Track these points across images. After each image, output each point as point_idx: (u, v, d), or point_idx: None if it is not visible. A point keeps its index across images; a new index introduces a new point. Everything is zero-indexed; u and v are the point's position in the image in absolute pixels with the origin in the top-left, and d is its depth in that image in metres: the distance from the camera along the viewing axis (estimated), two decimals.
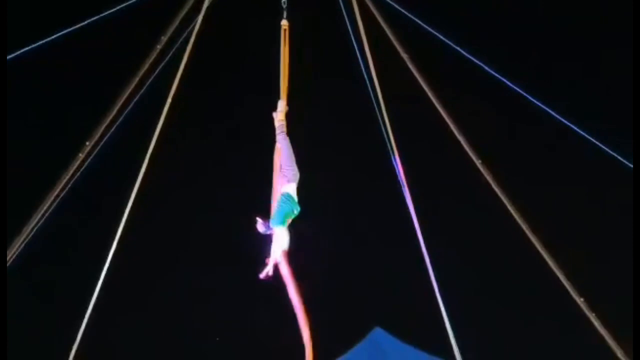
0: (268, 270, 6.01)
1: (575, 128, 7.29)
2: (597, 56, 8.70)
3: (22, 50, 6.54)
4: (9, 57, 6.49)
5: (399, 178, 7.48)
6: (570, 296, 7.37)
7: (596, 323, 7.29)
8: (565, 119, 7.26)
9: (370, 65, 7.49)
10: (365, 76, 7.59)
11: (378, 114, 7.61)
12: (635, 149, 7.09)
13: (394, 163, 7.56)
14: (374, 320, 9.47)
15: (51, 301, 8.75)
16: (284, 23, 6.94)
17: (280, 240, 6.09)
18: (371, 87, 7.57)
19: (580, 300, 7.38)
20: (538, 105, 7.28)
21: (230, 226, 9.11)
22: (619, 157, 7.08)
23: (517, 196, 7.37)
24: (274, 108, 6.64)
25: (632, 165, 7.04)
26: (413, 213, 7.45)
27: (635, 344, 6.93)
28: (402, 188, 7.47)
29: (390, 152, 7.56)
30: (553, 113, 7.30)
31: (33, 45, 6.57)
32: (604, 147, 7.22)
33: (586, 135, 7.27)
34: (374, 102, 7.59)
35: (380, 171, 7.82)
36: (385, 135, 7.59)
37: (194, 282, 9.30)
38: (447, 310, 7.46)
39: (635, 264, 6.95)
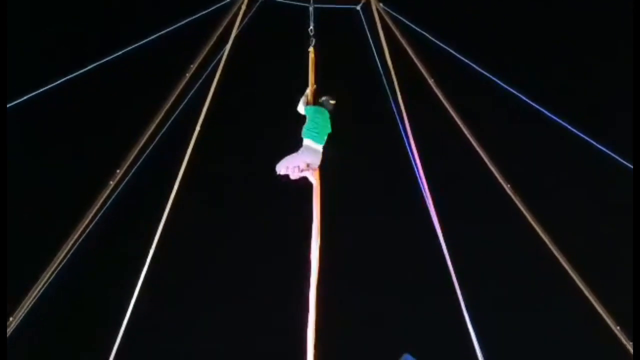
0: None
1: (611, 153, 7.23)
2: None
3: (57, 83, 6.79)
4: (45, 88, 6.73)
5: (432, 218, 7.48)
6: (607, 324, 7.20)
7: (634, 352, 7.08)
8: (601, 144, 7.24)
9: (397, 92, 7.55)
10: (393, 105, 7.64)
11: (406, 142, 7.62)
12: None
13: (423, 192, 7.55)
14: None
15: (77, 333, 8.77)
16: (311, 49, 7.08)
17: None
18: (398, 114, 7.61)
19: (617, 329, 7.20)
20: (571, 130, 7.28)
21: (261, 258, 9.16)
22: None
23: (548, 220, 7.28)
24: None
25: None
26: (441, 236, 7.42)
27: None
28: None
29: (418, 180, 7.56)
30: (587, 138, 7.27)
31: (65, 78, 6.83)
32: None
33: (621, 160, 7.21)
34: (402, 131, 7.62)
35: (406, 196, 7.82)
36: (413, 162, 7.59)
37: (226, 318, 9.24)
38: (477, 338, 7.33)
39: None
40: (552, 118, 7.25)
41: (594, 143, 7.24)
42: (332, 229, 6.81)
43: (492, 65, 7.29)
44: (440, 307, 8.00)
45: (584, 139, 7.23)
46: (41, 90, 6.74)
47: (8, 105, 6.56)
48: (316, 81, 7.07)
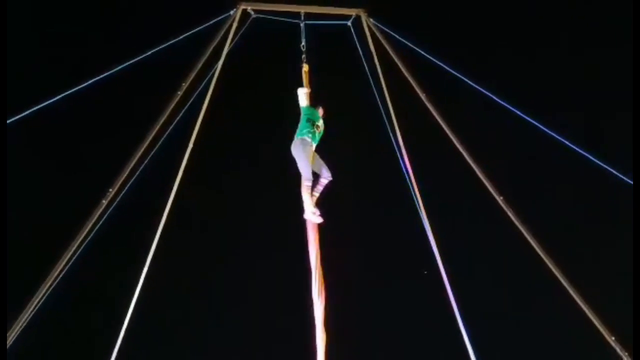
0: None
1: (600, 162, 7.26)
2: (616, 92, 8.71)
3: (53, 100, 6.77)
4: (40, 105, 6.71)
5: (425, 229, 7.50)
6: (602, 335, 7.21)
7: None
8: (586, 152, 7.27)
9: (389, 106, 7.58)
10: (385, 116, 7.66)
11: (399, 156, 7.64)
12: None
13: (417, 204, 7.57)
14: None
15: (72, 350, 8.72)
16: (305, 66, 7.10)
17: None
18: (390, 128, 7.63)
19: (611, 340, 7.21)
20: (566, 144, 7.32)
21: (255, 271, 9.16)
22: None
23: (540, 232, 7.29)
24: None
25: None
26: (434, 245, 7.44)
27: None
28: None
29: (412, 192, 7.58)
30: (574, 147, 7.31)
31: (59, 97, 6.81)
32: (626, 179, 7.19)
33: (610, 169, 7.24)
34: (395, 145, 7.64)
35: (400, 208, 7.84)
36: (407, 176, 7.61)
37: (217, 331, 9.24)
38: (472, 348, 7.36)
39: None
40: (545, 131, 7.29)
41: (589, 156, 7.28)
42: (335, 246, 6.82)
43: (485, 78, 7.33)
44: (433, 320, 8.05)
45: (579, 152, 7.26)
46: (30, 111, 6.70)
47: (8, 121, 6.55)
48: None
